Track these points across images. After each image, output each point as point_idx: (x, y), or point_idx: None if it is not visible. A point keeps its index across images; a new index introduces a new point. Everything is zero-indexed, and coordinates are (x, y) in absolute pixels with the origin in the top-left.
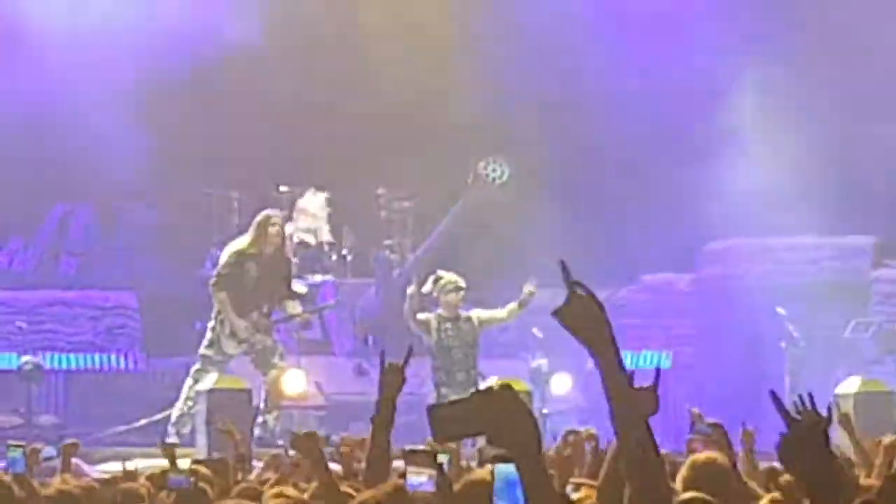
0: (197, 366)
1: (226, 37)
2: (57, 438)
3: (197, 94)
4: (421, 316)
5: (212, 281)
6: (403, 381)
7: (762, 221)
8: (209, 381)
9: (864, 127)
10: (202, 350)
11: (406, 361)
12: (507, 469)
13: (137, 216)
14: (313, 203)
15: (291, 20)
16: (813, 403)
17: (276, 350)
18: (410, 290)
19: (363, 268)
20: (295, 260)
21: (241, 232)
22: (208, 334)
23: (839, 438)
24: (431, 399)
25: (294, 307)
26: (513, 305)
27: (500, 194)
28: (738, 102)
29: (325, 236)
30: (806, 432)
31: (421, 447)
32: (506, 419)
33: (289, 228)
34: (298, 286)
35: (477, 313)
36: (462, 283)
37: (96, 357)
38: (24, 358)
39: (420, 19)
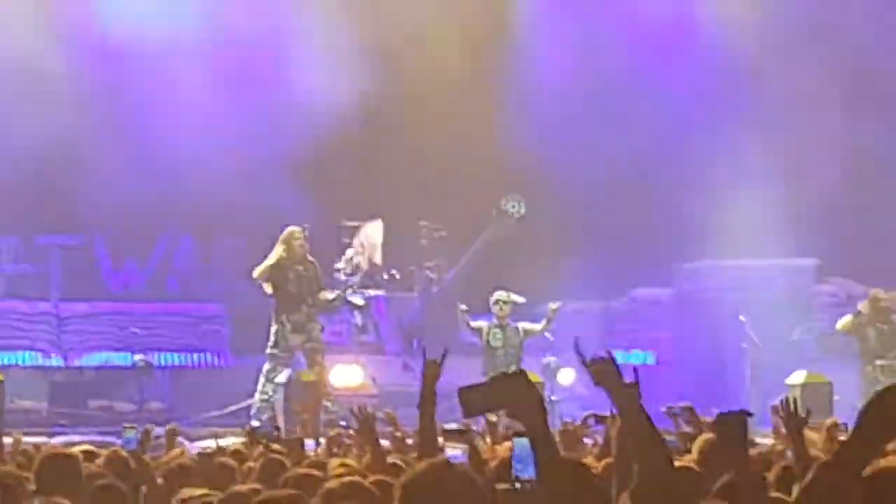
0: (267, 365)
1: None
2: (163, 421)
3: (272, 142)
4: (474, 323)
5: (258, 275)
6: (440, 373)
7: (728, 246)
8: (284, 375)
9: (806, 167)
10: (269, 350)
11: (443, 358)
12: (524, 441)
13: (227, 243)
14: (371, 233)
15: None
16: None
17: (321, 350)
18: (462, 308)
19: (408, 285)
20: (355, 278)
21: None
22: (272, 336)
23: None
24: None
25: (327, 295)
26: (544, 322)
27: (518, 226)
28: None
29: (378, 259)
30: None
31: (456, 426)
32: (518, 397)
33: (350, 253)
34: (356, 298)
35: (522, 325)
36: (507, 299)
37: (194, 356)
38: (138, 356)
39: (455, 77)
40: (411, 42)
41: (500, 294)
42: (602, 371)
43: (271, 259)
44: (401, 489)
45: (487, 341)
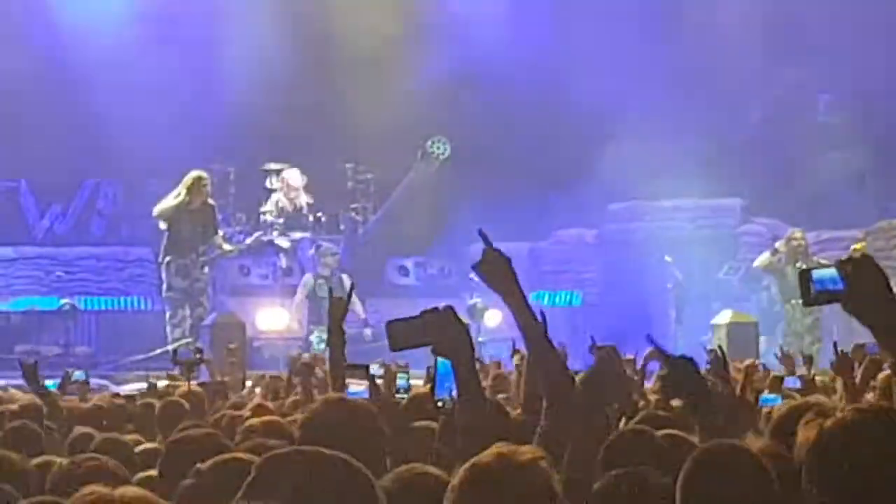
0: (168, 310)
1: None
2: (89, 365)
3: (198, 87)
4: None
5: (158, 213)
6: (346, 309)
7: (653, 187)
8: (210, 317)
9: (731, 111)
10: (165, 294)
11: (349, 296)
12: (445, 363)
13: (153, 186)
14: (294, 176)
15: (289, 28)
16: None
17: (205, 291)
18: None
19: (333, 227)
20: (280, 220)
21: (237, 199)
22: (163, 280)
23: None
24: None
25: (225, 245)
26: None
27: (442, 167)
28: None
29: (303, 202)
30: (682, 369)
31: (358, 363)
32: (446, 331)
33: (275, 196)
34: (282, 240)
35: (345, 276)
36: (335, 251)
37: (120, 300)
38: (63, 300)
39: (378, 22)
40: None
41: (327, 247)
42: (492, 263)
43: (173, 201)
44: (300, 427)
45: (314, 291)
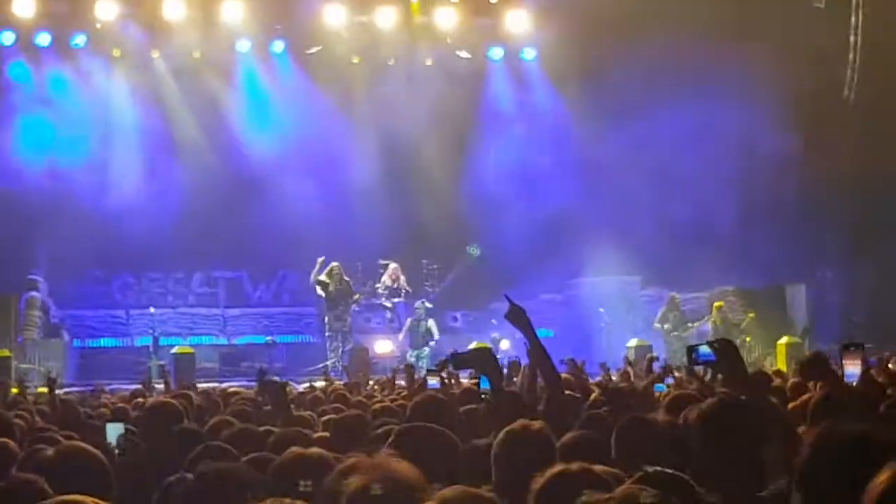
0: (328, 342)
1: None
2: (282, 374)
3: (334, 209)
4: (407, 321)
5: (318, 291)
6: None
7: (592, 270)
8: (350, 346)
9: (633, 231)
10: (326, 333)
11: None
12: (483, 377)
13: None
14: (394, 267)
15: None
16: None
17: (349, 332)
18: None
19: (417, 295)
20: (385, 292)
21: (362, 280)
22: (325, 324)
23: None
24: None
25: (357, 300)
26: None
27: (476, 260)
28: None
29: (402, 282)
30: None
31: (433, 368)
32: (484, 359)
33: (383, 278)
34: (387, 303)
35: (432, 322)
36: (425, 306)
37: (299, 337)
38: (268, 338)
39: (430, 170)
40: (406, 138)
41: (421, 305)
42: (515, 313)
43: (321, 277)
44: (410, 408)
45: (409, 329)
